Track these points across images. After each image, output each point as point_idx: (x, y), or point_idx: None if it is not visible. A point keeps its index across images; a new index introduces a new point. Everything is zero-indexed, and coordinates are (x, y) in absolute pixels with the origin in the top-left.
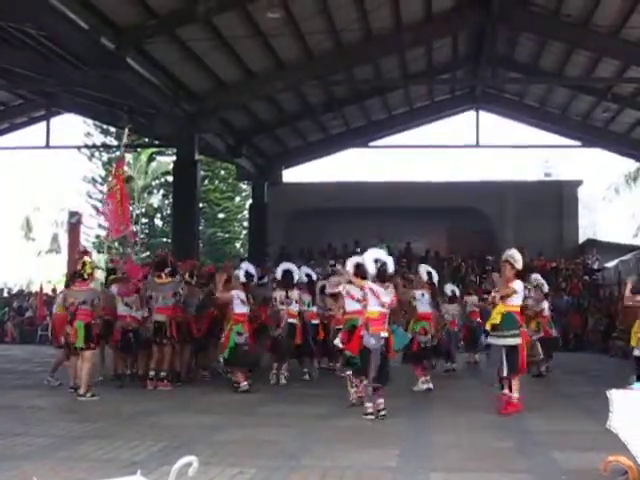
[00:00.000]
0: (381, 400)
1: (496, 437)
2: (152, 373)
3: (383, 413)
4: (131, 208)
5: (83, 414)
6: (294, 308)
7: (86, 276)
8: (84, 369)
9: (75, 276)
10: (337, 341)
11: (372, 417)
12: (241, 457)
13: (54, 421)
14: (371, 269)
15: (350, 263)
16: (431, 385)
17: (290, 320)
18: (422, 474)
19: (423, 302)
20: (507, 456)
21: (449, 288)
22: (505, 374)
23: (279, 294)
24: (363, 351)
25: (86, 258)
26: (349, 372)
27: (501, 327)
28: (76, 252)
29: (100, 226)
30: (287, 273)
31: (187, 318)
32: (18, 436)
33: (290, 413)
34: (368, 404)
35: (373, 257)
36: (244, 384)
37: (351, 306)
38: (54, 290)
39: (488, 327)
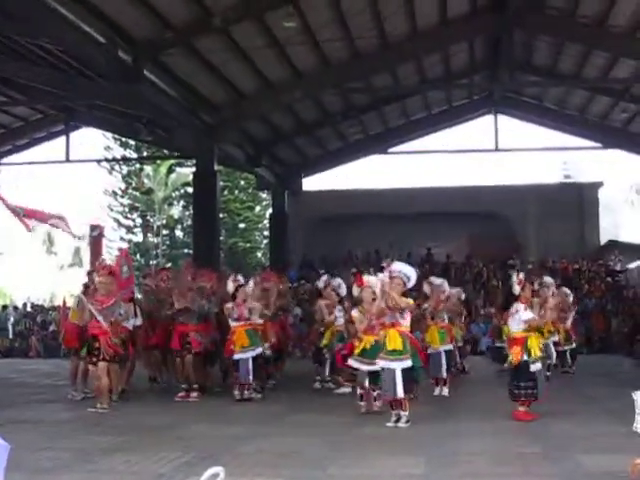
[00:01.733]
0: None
1: (521, 442)
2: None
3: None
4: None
5: (108, 427)
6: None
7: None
8: (99, 383)
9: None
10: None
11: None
12: (267, 467)
13: (79, 434)
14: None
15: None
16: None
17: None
18: None
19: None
20: (533, 461)
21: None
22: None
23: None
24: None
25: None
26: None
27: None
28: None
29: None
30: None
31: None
32: (44, 450)
33: (314, 422)
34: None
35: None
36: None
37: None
38: None
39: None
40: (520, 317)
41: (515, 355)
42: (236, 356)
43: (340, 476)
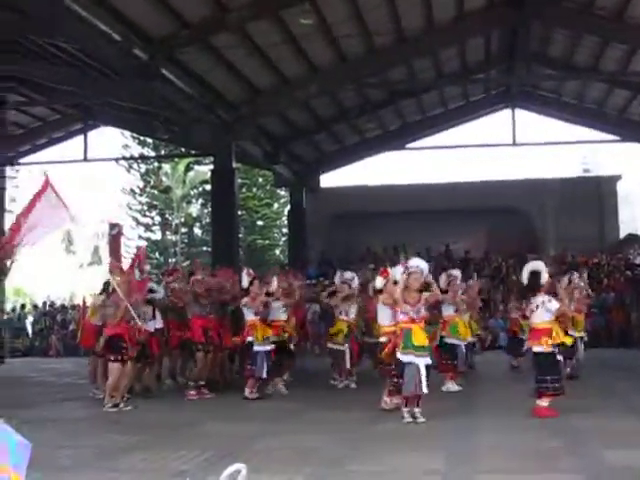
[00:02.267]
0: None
1: (541, 437)
2: (192, 383)
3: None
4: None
5: (127, 425)
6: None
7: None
8: (109, 380)
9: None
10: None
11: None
12: (287, 464)
13: (99, 432)
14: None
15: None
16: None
17: None
18: (468, 476)
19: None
20: (554, 456)
21: None
22: None
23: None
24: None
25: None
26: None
27: None
28: (120, 263)
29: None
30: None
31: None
32: (63, 448)
33: (331, 419)
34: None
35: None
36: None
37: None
38: None
39: None
40: (549, 307)
41: (545, 344)
42: (257, 347)
43: (360, 472)
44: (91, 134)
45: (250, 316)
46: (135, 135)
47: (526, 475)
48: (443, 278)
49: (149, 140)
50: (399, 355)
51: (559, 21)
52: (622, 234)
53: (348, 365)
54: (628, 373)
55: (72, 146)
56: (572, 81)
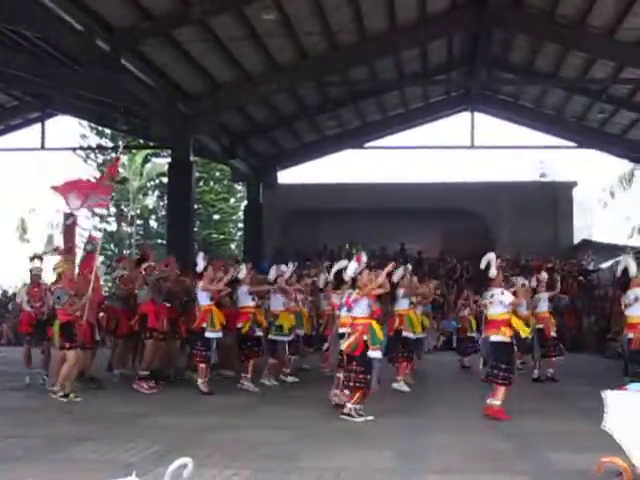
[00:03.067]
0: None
1: (492, 438)
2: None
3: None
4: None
5: (78, 416)
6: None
7: (58, 275)
8: (63, 368)
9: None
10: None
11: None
12: (236, 459)
13: (49, 423)
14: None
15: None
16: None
17: None
18: (418, 475)
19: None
20: (503, 457)
21: None
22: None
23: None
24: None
25: (60, 257)
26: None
27: None
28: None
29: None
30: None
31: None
32: (13, 438)
33: (284, 415)
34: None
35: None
36: None
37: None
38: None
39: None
40: (502, 299)
41: (504, 334)
42: (209, 334)
43: (310, 469)
44: (49, 122)
45: (206, 302)
46: (93, 125)
47: (475, 475)
48: (399, 272)
49: (107, 130)
50: (371, 352)
51: (521, 27)
52: (576, 240)
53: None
54: (578, 377)
55: (29, 134)
56: (532, 86)
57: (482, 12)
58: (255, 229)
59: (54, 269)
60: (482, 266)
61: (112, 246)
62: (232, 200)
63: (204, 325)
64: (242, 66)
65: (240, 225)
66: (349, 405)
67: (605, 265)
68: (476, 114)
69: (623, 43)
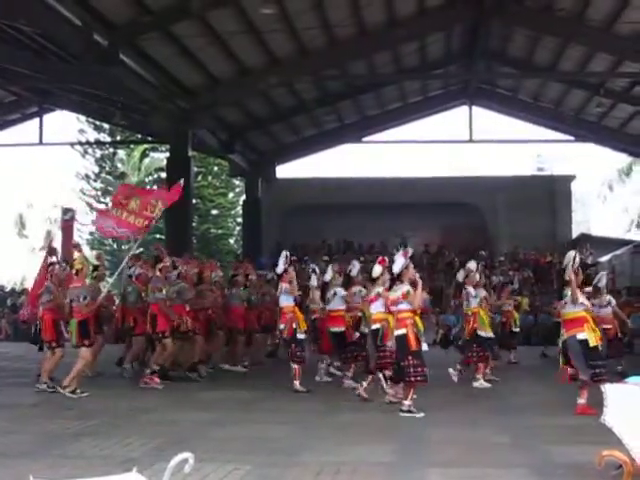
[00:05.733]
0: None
1: (492, 432)
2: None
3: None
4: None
5: (78, 411)
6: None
7: (76, 272)
8: (76, 364)
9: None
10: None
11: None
12: (236, 453)
13: (49, 418)
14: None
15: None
16: None
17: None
18: (418, 469)
19: None
20: (503, 451)
21: None
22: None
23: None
24: None
25: (76, 254)
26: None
27: None
28: (70, 247)
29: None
30: None
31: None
32: (13, 434)
33: (285, 409)
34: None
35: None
36: None
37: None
38: None
39: None
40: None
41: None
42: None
43: (311, 463)
44: (47, 117)
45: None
46: (91, 120)
47: (475, 468)
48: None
49: (105, 125)
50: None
51: (519, 20)
52: (575, 234)
53: None
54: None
55: (27, 129)
56: (530, 80)
57: (480, 5)
58: (253, 224)
59: (72, 266)
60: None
61: (110, 241)
62: (230, 195)
63: (294, 327)
64: (240, 61)
65: (238, 220)
66: (406, 402)
67: (604, 259)
68: (474, 108)
69: (621, 36)
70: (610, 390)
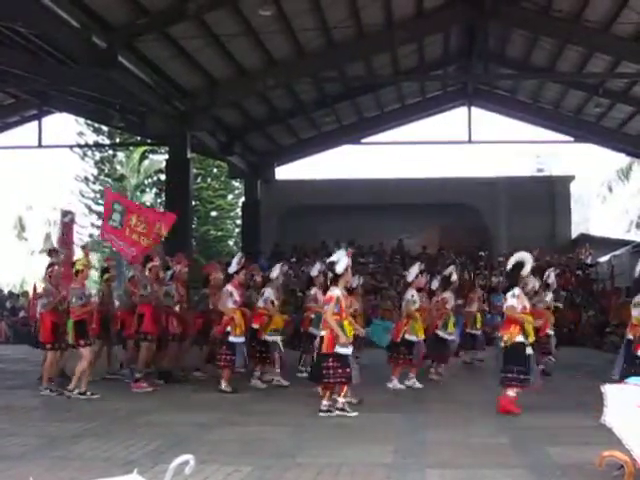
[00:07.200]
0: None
1: (491, 433)
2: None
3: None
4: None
5: (78, 413)
6: None
7: (75, 273)
8: (78, 366)
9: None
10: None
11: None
12: (236, 455)
13: (49, 421)
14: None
15: None
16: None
17: None
18: (417, 470)
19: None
20: (502, 452)
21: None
22: None
23: None
24: None
25: (80, 255)
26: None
27: None
28: (71, 250)
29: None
30: None
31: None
32: (13, 436)
33: (283, 411)
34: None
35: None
36: None
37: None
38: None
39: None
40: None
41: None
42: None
43: (309, 465)
44: (46, 120)
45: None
46: (90, 122)
47: (474, 469)
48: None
49: (104, 128)
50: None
51: (517, 21)
52: (574, 234)
53: None
54: (576, 371)
55: (26, 132)
56: (529, 81)
57: (478, 7)
58: (253, 225)
59: (74, 266)
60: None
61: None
62: (230, 197)
63: (227, 329)
64: (238, 62)
65: (238, 222)
66: (324, 402)
67: (603, 259)
68: (473, 109)
69: (619, 37)
70: (610, 390)
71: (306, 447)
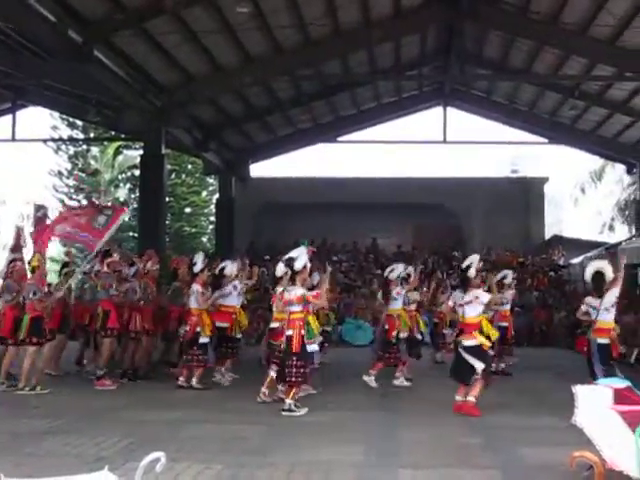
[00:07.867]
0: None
1: (463, 433)
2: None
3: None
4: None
5: (47, 410)
6: None
7: (32, 270)
8: (24, 363)
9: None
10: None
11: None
12: (207, 453)
13: (17, 417)
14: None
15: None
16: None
17: None
18: (389, 470)
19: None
20: (474, 452)
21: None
22: None
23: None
24: None
25: (38, 253)
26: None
27: None
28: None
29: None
30: None
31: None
32: None
33: (255, 409)
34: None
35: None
36: None
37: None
38: None
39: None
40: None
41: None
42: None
43: (281, 463)
44: (20, 114)
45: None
46: (64, 117)
47: (446, 469)
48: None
49: (78, 122)
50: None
51: (494, 22)
52: (547, 235)
53: None
54: (550, 372)
55: (0, 125)
56: (505, 82)
57: (455, 7)
58: (227, 223)
59: (29, 263)
60: (464, 266)
61: None
62: (204, 193)
63: (197, 330)
64: (215, 59)
65: (212, 218)
66: (288, 400)
67: (575, 260)
68: (449, 109)
69: (596, 39)
70: (581, 391)
71: (278, 446)
